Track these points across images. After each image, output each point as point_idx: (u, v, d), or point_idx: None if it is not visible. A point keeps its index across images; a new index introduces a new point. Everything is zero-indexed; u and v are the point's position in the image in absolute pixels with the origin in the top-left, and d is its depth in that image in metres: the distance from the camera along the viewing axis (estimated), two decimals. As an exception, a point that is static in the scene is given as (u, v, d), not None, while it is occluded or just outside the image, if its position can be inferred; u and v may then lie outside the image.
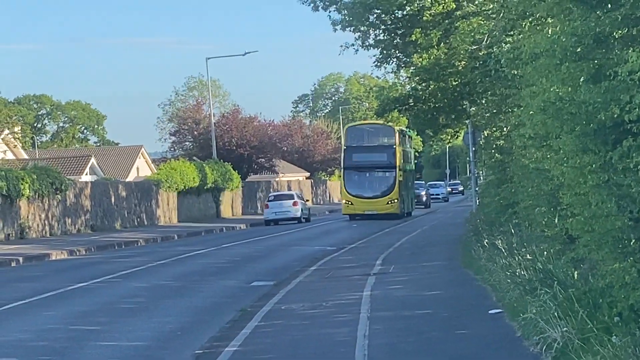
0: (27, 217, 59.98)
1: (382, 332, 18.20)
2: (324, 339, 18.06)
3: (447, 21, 27.95)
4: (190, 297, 27.44)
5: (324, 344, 17.47)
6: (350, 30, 36.79)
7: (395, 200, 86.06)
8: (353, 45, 38.96)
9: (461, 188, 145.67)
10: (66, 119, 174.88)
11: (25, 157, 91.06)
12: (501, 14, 25.79)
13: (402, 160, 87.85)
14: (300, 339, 18.08)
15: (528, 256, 21.65)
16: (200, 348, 17.59)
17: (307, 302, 23.91)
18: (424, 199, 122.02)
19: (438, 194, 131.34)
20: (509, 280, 20.87)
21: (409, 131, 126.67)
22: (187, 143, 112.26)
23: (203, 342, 18.34)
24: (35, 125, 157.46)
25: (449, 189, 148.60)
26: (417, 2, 27.29)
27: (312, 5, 36.20)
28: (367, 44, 39.27)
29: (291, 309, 22.69)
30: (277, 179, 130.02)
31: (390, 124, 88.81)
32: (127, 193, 75.13)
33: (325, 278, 30.56)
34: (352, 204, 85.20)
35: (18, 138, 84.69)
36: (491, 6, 26.28)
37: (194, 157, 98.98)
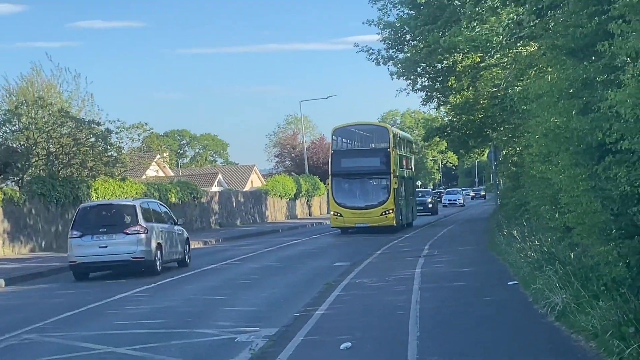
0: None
1: (429, 298, 17.98)
2: (387, 304, 17.83)
3: (474, 71, 27.72)
4: (290, 275, 27.24)
5: (387, 307, 17.27)
6: (403, 79, 37.91)
7: (391, 211, 56.39)
8: (405, 89, 39.97)
9: (483, 193, 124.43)
10: (200, 146, 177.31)
11: (172, 174, 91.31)
12: (513, 65, 25.47)
13: (398, 166, 60.20)
14: (370, 304, 17.89)
15: (536, 242, 21.40)
16: (298, 311, 17.44)
17: (374, 277, 23.69)
18: (430, 205, 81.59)
19: (454, 200, 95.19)
20: (522, 260, 20.66)
21: (415, 138, 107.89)
22: (286, 162, 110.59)
23: (300, 307, 18.19)
24: (178, 151, 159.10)
25: (473, 194, 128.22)
26: (452, 57, 27.02)
27: (375, 61, 37.57)
28: (415, 88, 40.70)
29: (363, 282, 22.49)
30: None
31: (384, 124, 65.33)
32: (244, 199, 74.24)
33: (387, 260, 30.19)
34: (341, 215, 56.88)
35: (166, 161, 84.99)
36: (506, 60, 25.93)
37: (292, 173, 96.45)
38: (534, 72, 21.12)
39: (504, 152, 43.71)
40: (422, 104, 52.93)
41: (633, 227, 11.36)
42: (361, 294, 19.99)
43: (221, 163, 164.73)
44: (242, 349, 13.60)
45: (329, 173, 58.31)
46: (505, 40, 23.59)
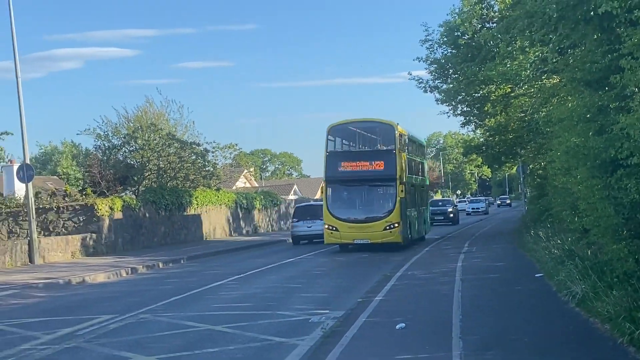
0: (259, 220, 61.27)
1: (469, 288, 17.86)
2: (434, 292, 17.75)
3: (505, 99, 27.55)
4: (354, 267, 27.30)
5: (434, 295, 17.18)
6: (445, 105, 37.11)
7: (396, 225, 37.61)
8: (447, 113, 39.22)
9: (508, 201, 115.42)
10: (279, 162, 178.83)
11: (256, 185, 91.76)
12: (539, 95, 25.19)
13: (406, 171, 41.20)
14: (420, 292, 17.79)
15: (558, 241, 21.10)
16: (360, 297, 17.40)
17: (423, 270, 23.57)
18: (451, 215, 65.77)
19: (478, 208, 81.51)
20: (547, 256, 20.36)
21: (455, 155, 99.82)
22: None
23: (362, 293, 18.13)
24: (262, 166, 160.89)
25: (499, 202, 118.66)
26: (487, 88, 26.85)
27: (423, 89, 36.84)
28: (456, 113, 39.43)
29: (414, 274, 22.38)
30: None
31: (388, 121, 41.49)
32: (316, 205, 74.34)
33: (433, 255, 29.99)
34: (336, 229, 38.36)
35: (252, 174, 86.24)
36: (532, 90, 25.64)
37: None
38: (556, 100, 20.88)
39: (530, 166, 42.80)
40: (461, 127, 44.66)
41: (641, 228, 11.27)
42: (412, 283, 19.86)
43: (296, 176, 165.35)
44: (315, 327, 13.63)
45: (323, 179, 40.77)
46: (532, 74, 23.37)
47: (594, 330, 11.49)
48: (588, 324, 12.00)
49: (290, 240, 46.32)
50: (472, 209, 73.13)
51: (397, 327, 12.73)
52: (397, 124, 36.42)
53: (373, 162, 36.56)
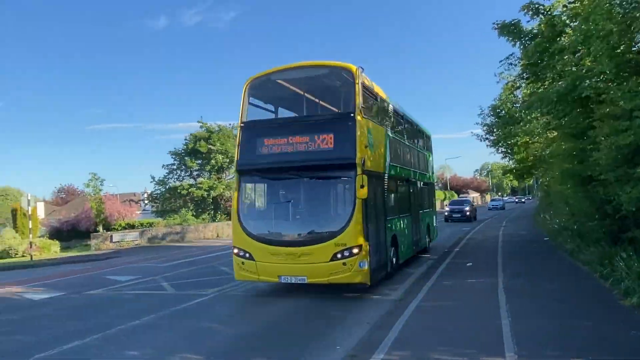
0: None
1: (507, 244, 16.99)
2: (486, 245, 16.79)
3: (526, 144, 26.12)
4: (450, 228, 24.20)
5: (486, 247, 16.38)
6: (492, 147, 33.88)
7: (355, 252, 6.76)
8: (492, 152, 36.88)
9: (524, 200, 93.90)
10: None
11: None
12: (545, 142, 23.70)
13: (388, 155, 8.64)
14: (480, 243, 17.04)
15: (556, 220, 19.71)
16: (447, 248, 16.82)
17: (481, 234, 22.51)
18: (468, 213, 34.21)
19: (497, 205, 59.26)
20: (550, 228, 19.17)
21: (500, 179, 74.18)
22: None
23: (445, 250, 17.52)
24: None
25: (515, 200, 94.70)
26: (515, 139, 25.58)
27: (479, 139, 33.11)
28: (498, 152, 36.15)
29: (476, 237, 21.44)
30: (467, 197, 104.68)
31: (344, 64, 7.74)
32: None
33: (486, 226, 28.47)
34: (250, 257, 7.20)
35: None
36: (541, 139, 24.12)
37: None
38: (555, 145, 19.60)
39: (540, 180, 40.28)
40: (501, 158, 40.26)
41: (606, 214, 10.49)
42: (465, 251, 19.08)
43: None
44: (424, 262, 13.44)
45: (234, 168, 9.20)
46: (541, 131, 22.04)
47: (579, 269, 10.75)
48: (575, 266, 11.23)
49: None
50: (492, 205, 59.79)
51: (467, 265, 12.41)
52: (362, 69, 8.73)
53: (316, 138, 8.63)
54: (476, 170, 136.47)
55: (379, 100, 10.08)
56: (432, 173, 17.17)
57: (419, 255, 14.33)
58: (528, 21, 12.01)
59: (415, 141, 14.10)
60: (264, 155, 8.66)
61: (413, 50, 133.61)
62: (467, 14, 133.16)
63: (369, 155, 8.58)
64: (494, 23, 12.20)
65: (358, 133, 8.23)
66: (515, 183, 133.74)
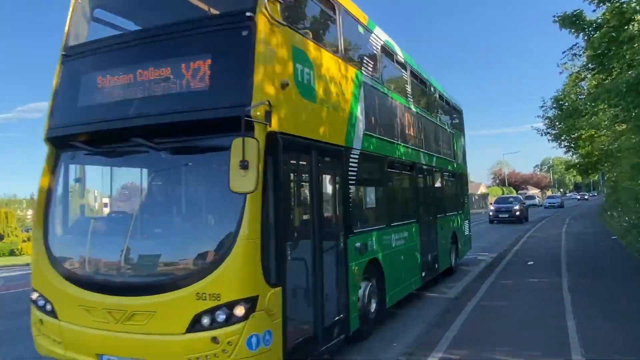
0: None
1: (571, 243, 16.28)
2: (547, 245, 16.29)
3: (591, 137, 24.80)
4: (498, 233, 24.10)
5: (548, 246, 15.82)
6: (554, 141, 32.20)
7: (238, 315, 2.33)
8: (555, 147, 34.98)
9: (587, 197, 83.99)
10: None
11: None
12: (613, 135, 22.43)
13: (308, 96, 3.13)
14: (540, 244, 16.47)
15: (626, 218, 18.63)
16: (506, 246, 16.42)
17: (543, 231, 21.65)
18: (517, 213, 27.61)
19: (554, 203, 50.83)
20: (618, 226, 18.14)
21: (563, 174, 71.29)
22: (497, 181, 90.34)
23: (505, 248, 17.09)
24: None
25: (577, 196, 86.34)
26: (580, 132, 24.33)
27: (540, 133, 31.40)
28: (561, 146, 34.53)
29: (537, 235, 20.67)
30: (526, 193, 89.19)
31: None
32: (477, 199, 66.13)
33: (547, 224, 27.31)
34: (52, 312, 2.65)
35: None
36: (608, 132, 22.86)
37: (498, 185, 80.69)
38: (624, 137, 18.53)
39: (607, 175, 38.08)
40: (564, 153, 36.67)
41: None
42: (534, 240, 18.44)
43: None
44: (481, 261, 13.15)
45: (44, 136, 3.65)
46: (608, 124, 20.88)
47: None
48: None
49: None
50: (549, 203, 50.70)
51: (528, 263, 12.00)
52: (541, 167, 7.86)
53: (182, 69, 3.30)
54: (536, 166, 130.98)
55: (337, 12, 5.24)
56: (463, 161, 12.15)
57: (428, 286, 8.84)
58: (594, 10, 11.40)
59: (432, 111, 9.23)
60: (91, 109, 4.14)
61: (469, 45, 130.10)
62: (524, 3, 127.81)
63: (297, 105, 4.18)
64: (554, 16, 11.66)
65: (260, 51, 3.74)
66: (579, 179, 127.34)
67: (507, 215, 27.39)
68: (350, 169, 5.15)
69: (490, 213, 28.01)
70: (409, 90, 7.72)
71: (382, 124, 6.31)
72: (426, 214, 8.29)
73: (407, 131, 7.40)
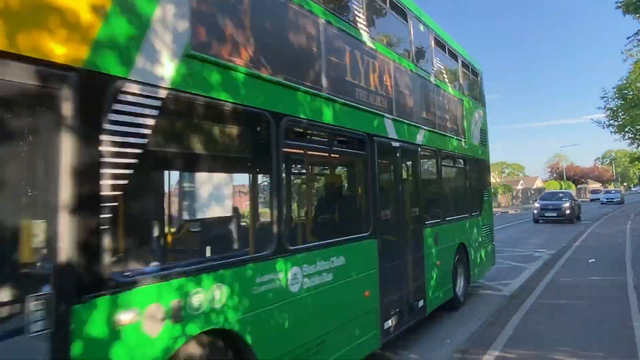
0: (500, 200, 51.10)
1: (637, 240, 15.39)
2: (612, 237, 15.46)
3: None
4: (550, 232, 22.58)
5: (613, 239, 15.03)
6: (617, 134, 30.38)
7: None
8: (617, 139, 32.78)
9: None
10: (511, 168, 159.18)
11: (499, 180, 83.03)
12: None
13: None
14: (604, 238, 15.67)
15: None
16: (565, 243, 15.78)
17: (605, 228, 20.56)
18: (567, 212, 23.33)
19: (612, 198, 45.30)
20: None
21: (625, 168, 66.58)
22: (554, 175, 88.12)
23: (564, 244, 16.42)
24: (502, 170, 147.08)
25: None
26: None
27: (601, 126, 29.76)
28: (624, 138, 32.30)
29: (598, 231, 19.66)
30: (588, 187, 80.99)
31: None
32: (533, 193, 63.52)
33: (609, 220, 25.89)
34: None
35: (497, 174, 77.66)
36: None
37: (556, 180, 77.82)
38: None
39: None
40: (629, 145, 33.70)
41: None
42: (595, 235, 17.56)
43: (521, 175, 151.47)
44: (537, 258, 12.72)
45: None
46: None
47: None
48: None
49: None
50: (607, 199, 44.52)
51: (590, 261, 11.48)
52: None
53: None
54: (597, 159, 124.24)
55: None
56: (482, 143, 8.62)
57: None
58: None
59: (417, 59, 5.98)
60: None
61: (525, 36, 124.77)
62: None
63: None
64: (617, 1, 11.11)
65: None
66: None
67: (555, 214, 23.64)
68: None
69: (535, 211, 24.25)
70: (370, 19, 4.72)
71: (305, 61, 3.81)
72: (396, 223, 5.26)
73: (363, 85, 4.47)
